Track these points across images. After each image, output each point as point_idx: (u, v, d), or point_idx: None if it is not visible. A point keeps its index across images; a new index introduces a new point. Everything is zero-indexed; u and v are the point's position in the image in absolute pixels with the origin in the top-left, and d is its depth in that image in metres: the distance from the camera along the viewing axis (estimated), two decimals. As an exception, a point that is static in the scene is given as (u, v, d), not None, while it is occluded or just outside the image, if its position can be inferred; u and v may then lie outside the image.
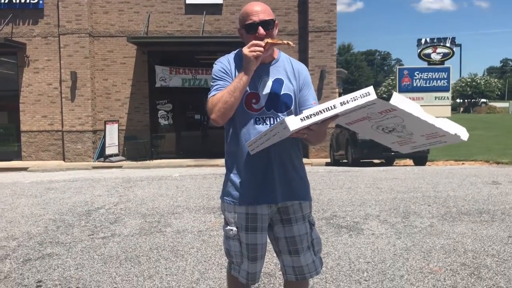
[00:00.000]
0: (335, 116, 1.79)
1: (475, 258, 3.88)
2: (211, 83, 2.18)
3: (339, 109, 1.72)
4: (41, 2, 16.50)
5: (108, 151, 16.26)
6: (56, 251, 4.33)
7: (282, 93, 2.16)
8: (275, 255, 2.43)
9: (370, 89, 1.69)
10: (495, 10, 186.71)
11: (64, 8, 16.23)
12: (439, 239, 4.44)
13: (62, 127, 16.62)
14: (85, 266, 3.87)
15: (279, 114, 2.14)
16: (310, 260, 2.25)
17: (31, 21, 16.60)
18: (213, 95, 2.10)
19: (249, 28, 2.12)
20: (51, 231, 5.08)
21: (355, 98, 1.69)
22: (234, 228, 2.20)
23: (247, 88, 2.11)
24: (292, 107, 2.18)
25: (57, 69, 16.59)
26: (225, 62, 2.19)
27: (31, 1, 16.39)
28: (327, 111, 1.73)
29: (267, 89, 2.14)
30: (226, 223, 2.26)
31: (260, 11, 2.11)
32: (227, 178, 2.23)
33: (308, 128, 1.82)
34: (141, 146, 16.70)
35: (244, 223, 2.17)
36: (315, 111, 1.74)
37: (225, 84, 2.11)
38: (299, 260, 2.22)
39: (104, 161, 15.99)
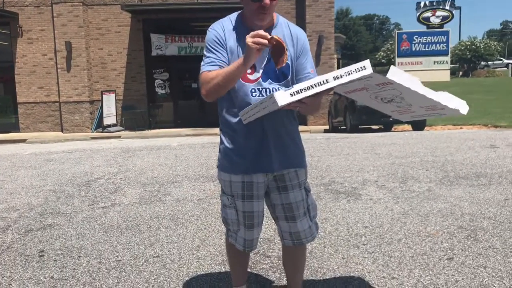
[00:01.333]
0: (329, 89, 1.75)
1: (472, 221, 3.92)
2: (204, 53, 2.12)
3: (332, 84, 1.67)
4: (32, -30, 16.15)
5: (106, 122, 16.22)
6: (57, 221, 4.37)
7: None
8: (273, 221, 2.46)
9: (366, 63, 1.64)
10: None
11: (56, -24, 15.89)
12: (437, 203, 4.48)
13: (59, 98, 16.53)
14: (87, 236, 3.92)
15: (276, 84, 2.10)
16: (306, 225, 2.28)
17: (22, -10, 16.29)
18: (206, 72, 2.03)
19: None
20: (52, 202, 5.12)
21: (350, 72, 1.64)
22: (230, 197, 2.22)
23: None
24: (290, 76, 2.14)
25: (51, 39, 16.37)
26: (219, 30, 2.11)
27: (22, -31, 16.05)
28: (319, 85, 1.68)
29: (263, 58, 2.09)
30: (223, 191, 2.28)
31: None
32: (223, 148, 2.22)
33: (300, 101, 1.77)
34: (138, 116, 16.66)
35: (240, 191, 2.18)
36: (306, 86, 1.68)
37: (217, 58, 2.05)
38: (295, 226, 2.25)
39: (102, 132, 15.98)
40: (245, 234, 2.24)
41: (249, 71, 2.07)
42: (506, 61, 47.29)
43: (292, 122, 2.23)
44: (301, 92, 1.68)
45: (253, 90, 2.08)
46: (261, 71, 2.09)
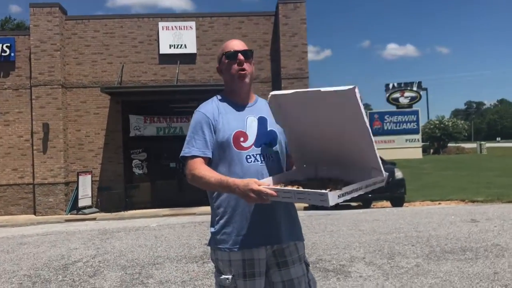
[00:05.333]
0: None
1: (465, 296, 3.85)
2: (190, 133, 2.17)
3: (362, 192, 1.93)
4: (12, 54, 16.41)
5: (81, 203, 15.83)
6: (33, 309, 4.10)
7: (268, 129, 2.21)
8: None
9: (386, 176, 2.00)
10: (455, 55, 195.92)
11: (37, 60, 16.17)
12: (427, 279, 4.41)
13: (33, 180, 16.18)
14: (65, 323, 3.67)
15: (269, 149, 2.17)
16: (308, 302, 2.19)
17: (1, 74, 16.43)
18: (195, 160, 2.10)
19: (230, 56, 2.19)
20: (26, 288, 4.84)
21: (375, 183, 1.97)
22: (230, 277, 2.10)
23: (234, 127, 2.14)
24: (278, 143, 2.21)
25: (29, 121, 16.32)
26: (208, 111, 2.18)
27: (2, 54, 16.27)
28: (355, 191, 1.89)
29: (253, 127, 2.17)
30: (219, 272, 2.15)
31: (240, 44, 2.24)
32: (219, 223, 2.14)
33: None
34: (115, 196, 16.35)
35: (241, 270, 2.09)
36: (350, 190, 1.86)
37: (204, 143, 2.12)
38: (298, 304, 2.15)
39: (77, 214, 15.54)
40: None
41: (242, 138, 2.13)
42: None
43: None
44: (343, 196, 1.85)
45: (248, 157, 2.12)
46: (254, 137, 2.15)
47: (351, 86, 1.78)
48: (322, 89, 1.88)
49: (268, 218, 2.10)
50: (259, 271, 2.11)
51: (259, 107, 2.26)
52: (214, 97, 2.26)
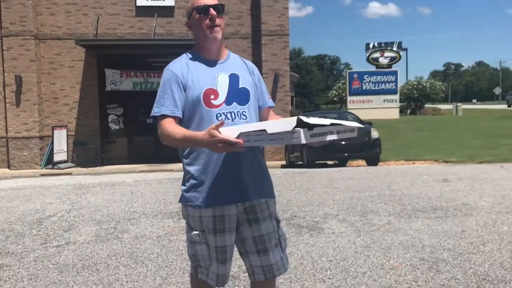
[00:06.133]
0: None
1: (433, 252, 3.99)
2: (160, 92, 2.13)
3: (334, 137, 1.90)
4: (-19, 3, 15.72)
5: (57, 158, 15.67)
6: (7, 262, 4.10)
7: (240, 86, 2.17)
8: (237, 256, 2.38)
9: (357, 125, 1.98)
10: (437, 15, 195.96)
11: (7, 9, 15.53)
12: (397, 236, 4.54)
13: (7, 133, 15.87)
14: (39, 276, 3.68)
15: (240, 106, 2.13)
16: (278, 257, 2.23)
17: (-30, 23, 15.78)
18: (165, 120, 2.07)
19: (202, 10, 2.12)
20: (0, 242, 4.81)
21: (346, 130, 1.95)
22: (201, 232, 2.12)
23: (204, 84, 2.10)
24: (251, 100, 2.18)
25: (0, 73, 15.84)
26: (177, 69, 2.13)
27: (-29, 2, 15.59)
28: (329, 134, 1.87)
29: (225, 84, 2.13)
30: (190, 227, 2.17)
31: None
32: (190, 181, 2.13)
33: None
34: (91, 151, 16.21)
35: (211, 226, 2.11)
36: (322, 131, 1.83)
37: (173, 102, 2.08)
38: (268, 259, 2.19)
39: (52, 168, 15.39)
40: (218, 269, 2.16)
41: (212, 96, 2.10)
42: None
43: (262, 153, 2.25)
44: (316, 137, 1.81)
45: (218, 115, 2.08)
46: (225, 95, 2.11)
47: (294, 122, 1.73)
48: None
49: (239, 176, 2.09)
50: (229, 227, 2.13)
51: (232, 63, 2.22)
52: (184, 54, 2.21)
